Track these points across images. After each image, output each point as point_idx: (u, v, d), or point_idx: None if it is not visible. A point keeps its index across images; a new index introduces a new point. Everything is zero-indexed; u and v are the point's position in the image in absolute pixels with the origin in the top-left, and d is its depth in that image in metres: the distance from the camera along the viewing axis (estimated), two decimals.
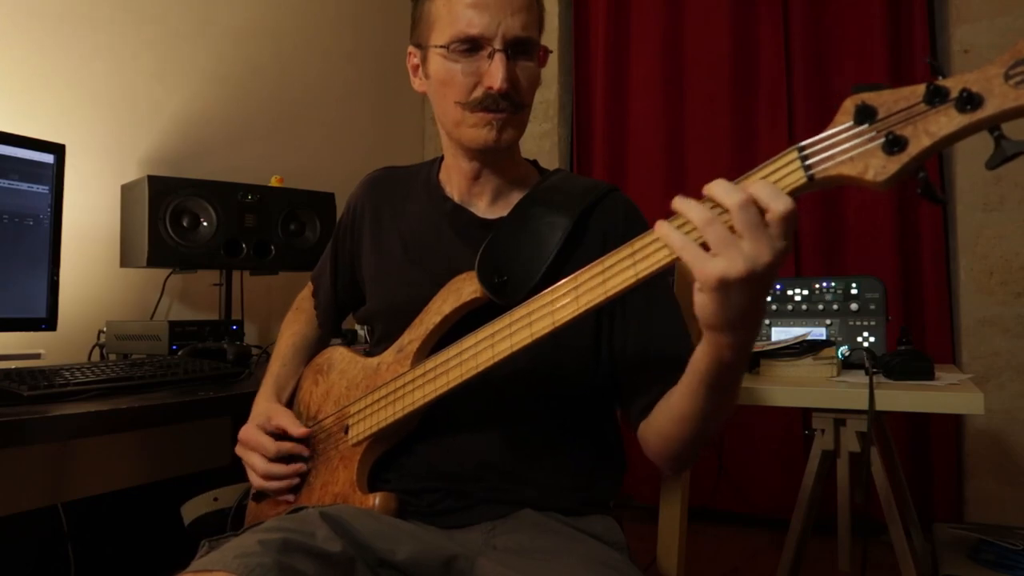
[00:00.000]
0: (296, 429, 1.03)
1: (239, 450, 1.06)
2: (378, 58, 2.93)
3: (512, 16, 0.91)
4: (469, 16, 0.91)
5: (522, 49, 0.94)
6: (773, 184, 0.65)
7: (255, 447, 1.04)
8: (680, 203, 0.67)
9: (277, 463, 1.02)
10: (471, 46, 0.92)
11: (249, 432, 1.06)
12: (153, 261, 1.75)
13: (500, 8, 0.91)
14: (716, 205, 0.66)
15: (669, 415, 0.87)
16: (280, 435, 1.04)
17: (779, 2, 2.85)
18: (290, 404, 1.14)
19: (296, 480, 1.04)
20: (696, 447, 0.89)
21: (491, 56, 0.92)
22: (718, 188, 0.65)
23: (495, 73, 0.91)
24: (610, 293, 0.75)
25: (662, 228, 0.68)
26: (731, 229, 0.64)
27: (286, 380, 1.15)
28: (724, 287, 0.64)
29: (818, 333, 1.89)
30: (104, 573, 1.83)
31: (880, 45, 2.70)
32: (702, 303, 0.68)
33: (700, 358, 0.76)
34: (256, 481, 1.04)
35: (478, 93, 0.93)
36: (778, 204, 0.63)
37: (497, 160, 1.00)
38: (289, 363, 1.16)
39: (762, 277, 0.64)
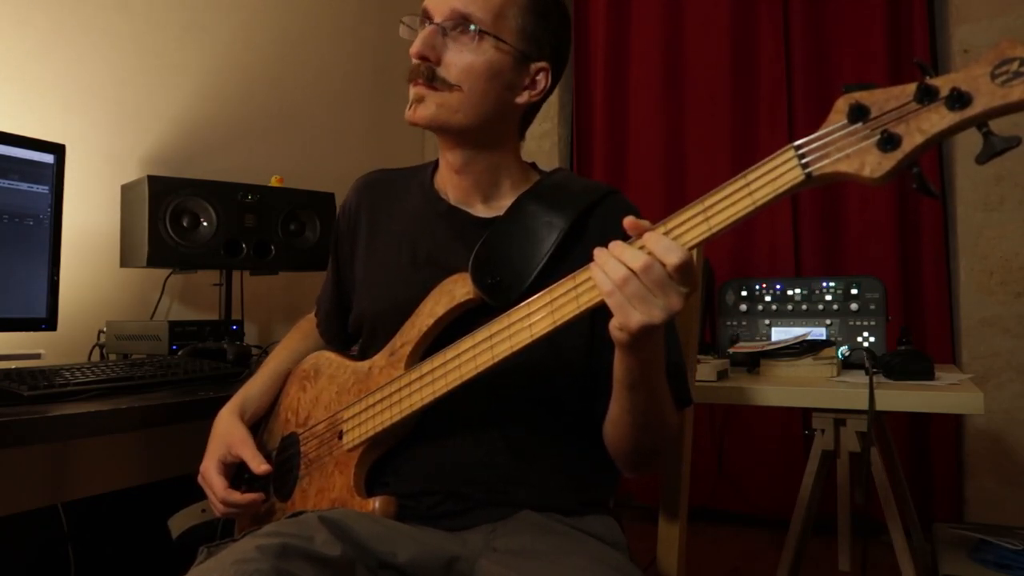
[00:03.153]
0: (258, 466, 1.01)
1: (200, 481, 1.05)
2: (378, 58, 2.93)
3: None
4: None
5: (461, 27, 0.94)
6: (667, 239, 0.72)
7: (208, 486, 1.03)
8: (600, 256, 0.75)
9: (230, 506, 1.01)
10: (425, 20, 0.96)
11: (207, 467, 1.04)
12: (153, 261, 1.74)
13: None
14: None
15: (608, 423, 0.92)
16: (240, 463, 1.04)
17: (779, 2, 2.85)
18: (268, 415, 1.13)
19: (259, 509, 1.04)
20: (638, 452, 0.92)
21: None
22: (624, 253, 0.73)
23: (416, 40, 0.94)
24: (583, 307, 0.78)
25: (594, 271, 0.75)
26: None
27: (259, 393, 1.13)
28: (645, 331, 0.73)
29: (818, 333, 1.89)
30: (104, 573, 1.83)
31: (880, 45, 2.70)
32: (618, 336, 0.76)
33: (616, 365, 0.83)
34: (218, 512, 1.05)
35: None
36: (671, 257, 0.70)
37: (470, 147, 1.00)
38: (265, 373, 1.15)
39: (672, 317, 0.73)
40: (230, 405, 1.10)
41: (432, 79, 0.94)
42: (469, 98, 0.95)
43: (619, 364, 0.82)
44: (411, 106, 0.96)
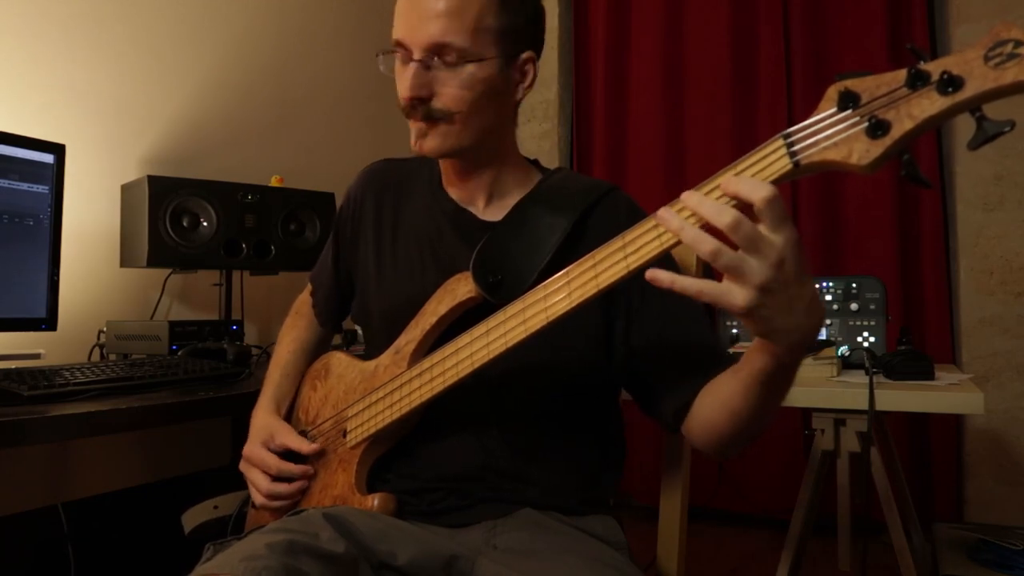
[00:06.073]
0: (305, 447, 1.02)
1: (243, 467, 1.06)
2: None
3: (428, 21, 0.89)
4: (397, 22, 0.93)
5: (442, 57, 0.90)
6: (749, 177, 0.65)
7: (258, 464, 1.04)
8: (692, 199, 0.68)
9: (280, 482, 1.02)
10: (402, 53, 0.93)
11: (252, 449, 1.05)
12: (153, 261, 1.75)
13: (416, 14, 0.90)
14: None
15: (720, 409, 0.86)
16: (283, 453, 1.04)
17: (779, 2, 2.85)
18: (289, 413, 1.14)
19: (299, 497, 1.04)
20: (747, 440, 0.88)
21: (408, 63, 0.92)
22: (706, 208, 0.65)
23: (403, 81, 0.91)
24: (602, 286, 0.76)
25: (688, 233, 0.67)
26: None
27: (286, 390, 1.13)
28: (754, 310, 0.65)
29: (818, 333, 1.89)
30: (104, 573, 1.83)
31: (880, 45, 2.70)
32: (745, 324, 0.68)
33: (757, 358, 0.76)
34: (258, 499, 1.04)
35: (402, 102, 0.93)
36: (759, 192, 0.63)
37: (474, 160, 0.99)
38: (289, 372, 1.15)
39: (781, 279, 0.64)
40: (264, 404, 1.11)
41: (430, 115, 0.92)
42: (468, 120, 0.93)
43: (760, 358, 0.75)
44: (415, 140, 0.95)
